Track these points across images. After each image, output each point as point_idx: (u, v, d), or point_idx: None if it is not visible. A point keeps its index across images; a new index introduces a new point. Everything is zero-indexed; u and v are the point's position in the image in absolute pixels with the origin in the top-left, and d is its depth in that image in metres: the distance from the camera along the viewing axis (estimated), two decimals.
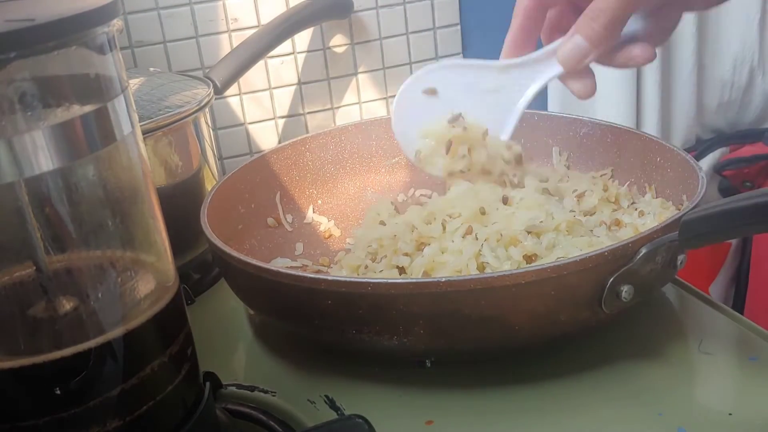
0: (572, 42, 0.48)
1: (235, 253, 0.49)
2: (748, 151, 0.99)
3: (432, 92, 0.57)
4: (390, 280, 0.46)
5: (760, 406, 0.44)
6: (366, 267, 0.57)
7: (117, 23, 0.32)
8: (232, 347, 0.56)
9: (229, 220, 0.60)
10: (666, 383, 0.46)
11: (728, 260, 1.01)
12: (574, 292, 0.45)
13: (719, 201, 0.40)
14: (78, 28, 0.30)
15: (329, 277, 0.46)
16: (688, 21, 0.93)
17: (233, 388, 0.49)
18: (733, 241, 1.01)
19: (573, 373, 0.48)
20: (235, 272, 0.51)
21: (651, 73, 0.92)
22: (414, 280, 0.46)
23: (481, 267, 0.51)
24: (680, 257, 0.47)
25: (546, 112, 0.70)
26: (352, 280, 0.48)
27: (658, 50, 0.90)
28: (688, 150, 1.00)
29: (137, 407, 0.35)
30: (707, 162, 1.00)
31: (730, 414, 0.43)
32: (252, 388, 0.49)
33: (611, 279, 0.44)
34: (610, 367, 0.48)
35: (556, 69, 0.52)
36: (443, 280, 0.43)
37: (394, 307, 0.44)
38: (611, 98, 0.92)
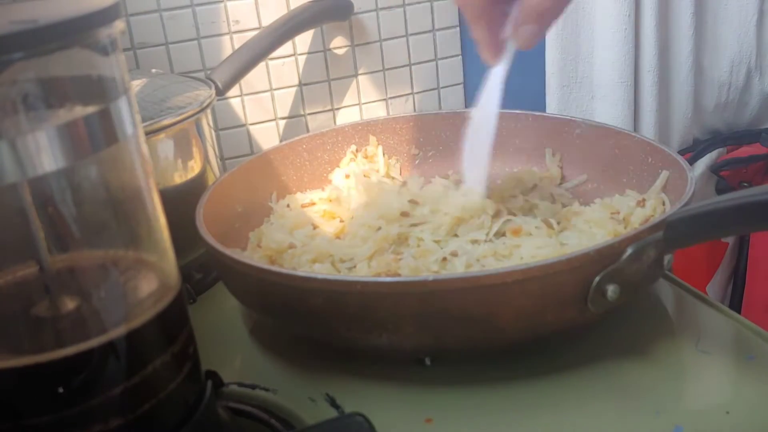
0: (525, 30, 0.51)
1: (227, 251, 0.50)
2: (745, 151, 0.99)
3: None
4: (379, 279, 0.47)
5: (757, 404, 0.44)
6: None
7: (119, 25, 0.33)
8: (234, 346, 0.56)
9: (226, 218, 0.60)
10: (663, 382, 0.46)
11: (725, 259, 1.02)
12: (560, 291, 0.45)
13: (704, 201, 0.40)
14: (80, 30, 0.30)
15: (320, 276, 0.46)
16: (685, 22, 0.93)
17: (234, 387, 0.50)
18: (731, 241, 1.02)
19: (572, 370, 0.48)
20: (228, 270, 0.51)
21: (648, 74, 0.92)
22: (402, 279, 0.46)
23: None
24: (667, 257, 0.47)
25: (539, 113, 0.70)
26: (343, 279, 0.48)
27: (655, 51, 0.91)
28: (686, 151, 1.01)
29: (139, 406, 0.35)
30: (704, 162, 1.00)
31: (727, 412, 0.43)
32: (253, 387, 0.50)
33: (597, 278, 0.45)
34: (609, 366, 0.48)
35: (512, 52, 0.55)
36: (431, 279, 0.44)
37: (382, 305, 0.45)
38: (609, 99, 0.92)
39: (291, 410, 0.47)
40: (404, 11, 0.87)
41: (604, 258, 0.45)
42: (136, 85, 0.65)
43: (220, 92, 0.68)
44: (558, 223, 0.59)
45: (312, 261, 0.56)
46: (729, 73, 0.98)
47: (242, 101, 0.84)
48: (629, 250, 0.45)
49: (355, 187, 0.68)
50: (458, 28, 0.90)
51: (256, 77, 0.83)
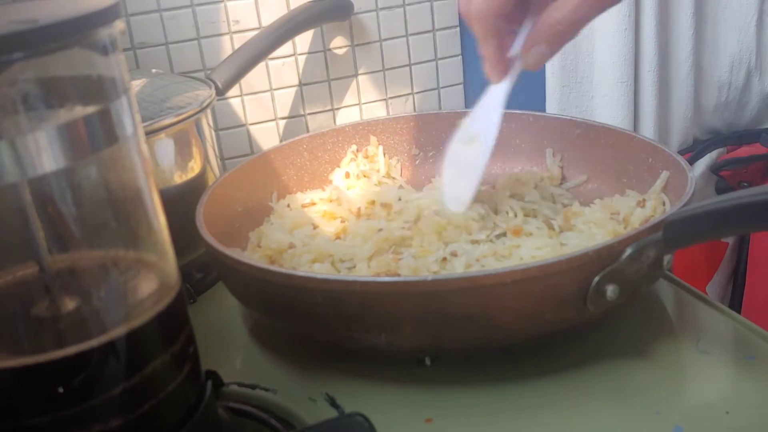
0: (536, 50, 0.51)
1: (227, 251, 0.50)
2: (745, 151, 0.99)
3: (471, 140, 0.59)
4: (378, 279, 0.47)
5: (757, 404, 0.44)
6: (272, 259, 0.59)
7: (119, 25, 0.33)
8: (234, 346, 0.56)
9: (226, 218, 0.61)
10: (663, 382, 0.47)
11: (725, 259, 1.02)
12: (559, 292, 0.45)
13: (703, 202, 0.40)
14: (80, 30, 0.30)
15: (319, 276, 0.46)
16: (685, 22, 0.93)
17: (235, 387, 0.50)
18: (731, 240, 1.02)
19: (572, 370, 0.48)
20: (228, 270, 0.51)
21: (648, 74, 0.92)
22: (401, 279, 0.46)
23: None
24: (666, 257, 0.47)
25: (540, 113, 0.70)
26: (342, 278, 0.48)
27: (655, 51, 0.91)
28: (686, 151, 1.01)
29: (139, 406, 0.35)
30: (704, 162, 1.01)
31: (727, 412, 0.43)
32: (253, 387, 0.50)
33: (596, 278, 0.45)
34: (609, 365, 0.48)
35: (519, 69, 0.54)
36: (430, 279, 0.44)
37: (381, 305, 0.45)
38: (609, 99, 0.92)
39: (291, 410, 0.47)
40: (404, 11, 0.87)
41: (603, 258, 0.45)
42: (136, 85, 0.65)
43: (220, 92, 0.68)
44: (558, 225, 0.59)
45: (312, 261, 0.56)
46: (729, 73, 0.98)
47: (242, 101, 0.84)
48: (628, 251, 0.45)
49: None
50: (458, 28, 0.90)
51: (256, 77, 0.83)
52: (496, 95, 0.56)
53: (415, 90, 0.91)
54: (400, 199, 0.63)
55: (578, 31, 0.50)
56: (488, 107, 0.56)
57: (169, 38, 0.79)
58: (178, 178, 0.62)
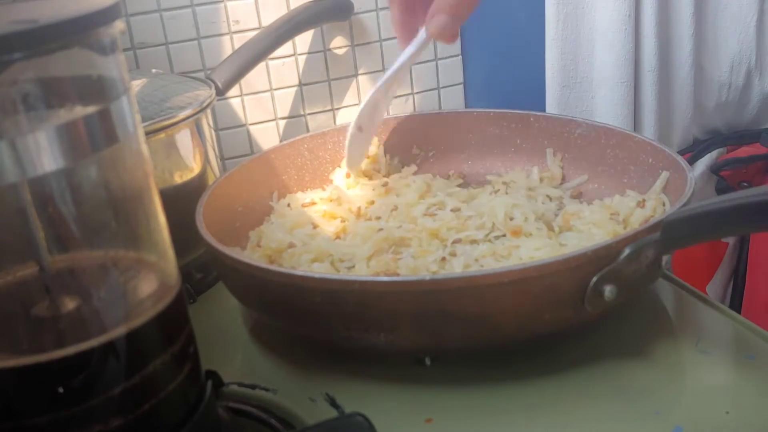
0: (437, 20, 0.53)
1: (227, 251, 0.50)
2: (745, 151, 0.99)
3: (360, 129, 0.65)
4: (377, 279, 0.47)
5: (757, 404, 0.44)
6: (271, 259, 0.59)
7: (119, 25, 0.33)
8: (234, 346, 0.56)
9: (227, 218, 0.61)
10: (663, 382, 0.47)
11: (725, 259, 1.01)
12: (557, 292, 0.45)
13: (702, 202, 0.40)
14: (80, 30, 0.30)
15: (318, 275, 0.46)
16: (685, 22, 0.93)
17: (235, 387, 0.50)
18: (731, 240, 1.02)
19: (572, 371, 0.48)
20: (228, 269, 0.51)
21: (648, 74, 0.92)
22: (400, 279, 0.46)
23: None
24: (665, 257, 0.47)
25: (540, 113, 0.70)
26: (341, 278, 0.48)
27: (656, 51, 0.91)
28: (686, 151, 1.01)
29: (139, 405, 0.35)
30: (704, 162, 1.00)
31: (727, 412, 0.43)
32: (253, 387, 0.50)
33: (594, 279, 0.45)
34: (609, 366, 0.48)
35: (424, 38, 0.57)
36: (428, 278, 0.44)
37: (380, 304, 0.45)
38: (609, 99, 0.92)
39: (291, 410, 0.47)
40: None
41: (601, 258, 0.45)
42: (136, 85, 0.65)
43: (220, 92, 0.68)
44: (557, 225, 0.59)
45: (312, 261, 0.56)
46: (729, 73, 0.98)
47: (242, 101, 0.84)
48: (626, 251, 0.45)
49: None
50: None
51: (256, 77, 0.83)
52: (400, 57, 0.59)
53: (415, 90, 0.91)
54: (396, 208, 0.63)
55: (477, 2, 0.52)
56: (389, 68, 0.61)
57: (169, 38, 0.79)
58: (178, 178, 0.62)
